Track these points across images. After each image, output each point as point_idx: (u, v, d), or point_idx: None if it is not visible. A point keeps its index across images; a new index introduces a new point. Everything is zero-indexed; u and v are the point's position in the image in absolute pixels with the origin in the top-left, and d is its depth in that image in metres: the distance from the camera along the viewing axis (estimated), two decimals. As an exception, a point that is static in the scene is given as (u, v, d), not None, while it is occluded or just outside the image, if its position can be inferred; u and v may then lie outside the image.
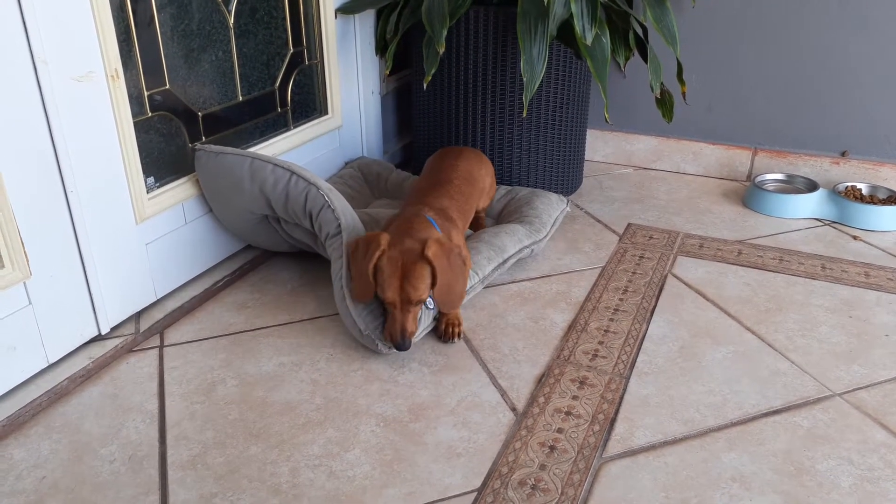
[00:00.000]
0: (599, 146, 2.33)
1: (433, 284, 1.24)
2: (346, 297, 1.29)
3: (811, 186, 1.98)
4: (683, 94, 1.86)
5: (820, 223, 1.89)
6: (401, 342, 1.23)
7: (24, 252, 1.14)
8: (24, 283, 1.16)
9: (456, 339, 1.34)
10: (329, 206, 1.36)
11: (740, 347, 1.34)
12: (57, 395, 1.19)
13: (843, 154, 2.06)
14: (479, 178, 1.64)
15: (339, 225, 1.35)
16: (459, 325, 1.36)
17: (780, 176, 2.07)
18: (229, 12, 1.51)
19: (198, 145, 1.44)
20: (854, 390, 1.22)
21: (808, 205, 1.91)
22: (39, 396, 1.17)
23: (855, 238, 1.80)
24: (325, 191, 1.37)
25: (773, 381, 1.25)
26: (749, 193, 2.00)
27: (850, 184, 1.97)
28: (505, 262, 1.53)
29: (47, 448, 1.09)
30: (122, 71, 1.25)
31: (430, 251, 1.22)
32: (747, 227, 1.87)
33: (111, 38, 1.23)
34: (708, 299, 1.51)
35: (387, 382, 1.24)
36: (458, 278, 1.27)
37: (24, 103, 1.11)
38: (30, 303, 1.17)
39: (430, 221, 1.34)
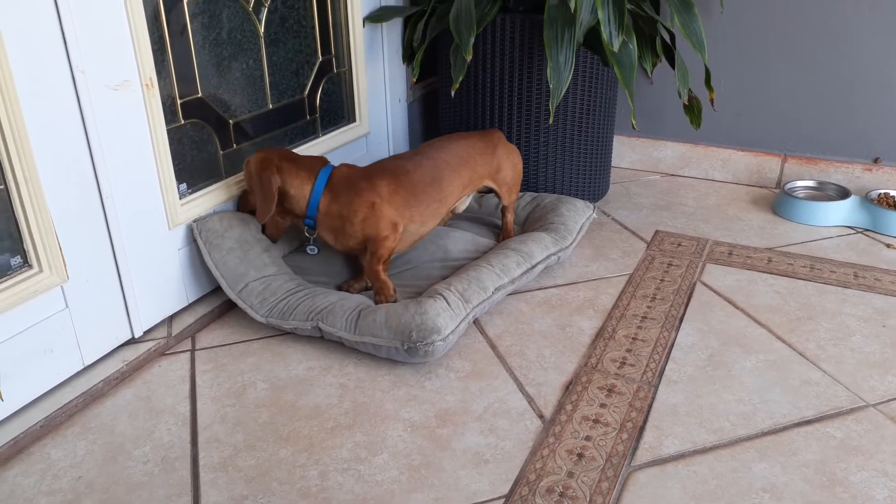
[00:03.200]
0: (626, 153, 2.32)
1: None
2: (367, 326, 1.30)
3: (843, 193, 1.95)
4: (711, 100, 1.84)
5: (852, 231, 1.86)
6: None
7: (62, 256, 1.17)
8: (62, 286, 1.19)
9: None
10: None
11: (771, 356, 1.32)
12: (92, 397, 1.22)
13: (875, 160, 2.03)
14: (475, 167, 1.56)
15: None
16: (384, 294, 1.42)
17: (810, 183, 2.05)
18: (259, 21, 1.54)
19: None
20: (889, 401, 1.20)
21: (840, 212, 1.88)
22: (75, 398, 1.20)
23: (888, 246, 1.77)
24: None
25: (804, 390, 1.23)
26: (779, 200, 1.98)
27: (882, 191, 1.94)
28: (533, 267, 1.52)
29: (83, 448, 1.11)
30: (156, 79, 1.28)
31: (252, 156, 1.41)
32: (777, 234, 1.84)
33: (146, 48, 1.25)
34: (737, 307, 1.49)
35: (414, 388, 1.24)
36: (256, 190, 1.40)
37: (62, 111, 1.13)
38: (66, 306, 1.20)
39: (322, 169, 1.43)
